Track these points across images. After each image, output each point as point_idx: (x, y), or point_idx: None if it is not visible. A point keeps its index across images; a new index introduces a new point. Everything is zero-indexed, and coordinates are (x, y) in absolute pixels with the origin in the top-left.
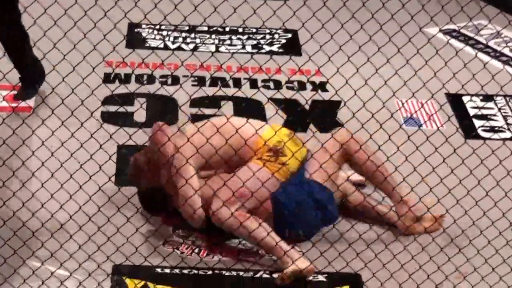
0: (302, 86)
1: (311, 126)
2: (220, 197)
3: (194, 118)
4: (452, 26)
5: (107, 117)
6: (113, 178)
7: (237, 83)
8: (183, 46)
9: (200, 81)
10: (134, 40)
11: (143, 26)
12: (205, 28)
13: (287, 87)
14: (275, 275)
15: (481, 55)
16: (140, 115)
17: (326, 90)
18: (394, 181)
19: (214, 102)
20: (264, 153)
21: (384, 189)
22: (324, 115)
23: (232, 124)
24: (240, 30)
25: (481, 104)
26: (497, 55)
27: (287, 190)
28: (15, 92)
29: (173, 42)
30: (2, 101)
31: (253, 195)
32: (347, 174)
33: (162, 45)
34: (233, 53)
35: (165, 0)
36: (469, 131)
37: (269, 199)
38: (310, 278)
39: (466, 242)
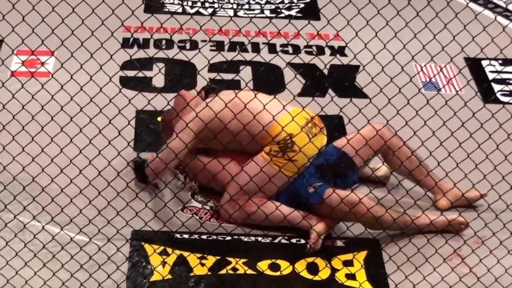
0: (320, 50)
1: (330, 90)
2: (229, 193)
3: (213, 83)
4: None
5: (125, 82)
6: (131, 143)
7: (256, 47)
8: (202, 10)
9: (219, 46)
10: (152, 4)
11: None
12: None
13: (306, 52)
14: (293, 240)
15: (500, 19)
16: (159, 80)
17: (344, 55)
18: (436, 176)
19: (232, 66)
20: (274, 145)
21: (425, 184)
22: (343, 80)
23: (249, 110)
24: None
25: (500, 68)
26: None
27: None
28: (33, 57)
29: (192, 7)
30: (21, 66)
31: (260, 190)
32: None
33: (180, 10)
34: (252, 17)
35: None
36: (488, 95)
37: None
38: (329, 243)
39: (485, 206)
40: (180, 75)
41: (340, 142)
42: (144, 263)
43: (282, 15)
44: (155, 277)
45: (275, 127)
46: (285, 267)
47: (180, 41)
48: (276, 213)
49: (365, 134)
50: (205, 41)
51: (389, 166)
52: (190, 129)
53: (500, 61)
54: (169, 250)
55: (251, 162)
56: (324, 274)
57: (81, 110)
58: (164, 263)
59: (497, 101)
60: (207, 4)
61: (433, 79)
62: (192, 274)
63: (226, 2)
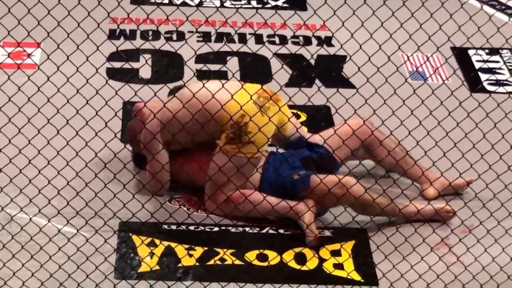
0: (307, 41)
1: (317, 81)
2: (209, 196)
3: (199, 74)
4: None
5: (112, 74)
6: (118, 135)
7: (242, 38)
8: (188, 1)
9: (205, 37)
10: None
11: None
12: None
13: (292, 42)
14: (281, 231)
15: (486, 8)
16: (146, 71)
17: (331, 45)
18: (422, 166)
19: (219, 57)
20: (229, 131)
21: (412, 175)
22: (330, 70)
23: (199, 99)
24: None
25: (486, 57)
26: (503, 7)
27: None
28: (20, 49)
29: None
30: (7, 58)
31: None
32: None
33: (167, 1)
34: (238, 8)
35: None
36: (475, 85)
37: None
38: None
39: (472, 195)
40: (167, 66)
41: (323, 136)
42: (132, 254)
43: (269, 5)
44: (143, 268)
45: (230, 109)
46: (273, 257)
47: (166, 32)
48: (263, 204)
49: (346, 129)
50: (192, 32)
51: (373, 159)
52: (153, 138)
53: (486, 50)
54: (157, 241)
55: (214, 159)
56: (312, 264)
57: (67, 101)
58: (152, 254)
59: (484, 90)
60: None
61: (419, 69)
62: (180, 265)
63: None
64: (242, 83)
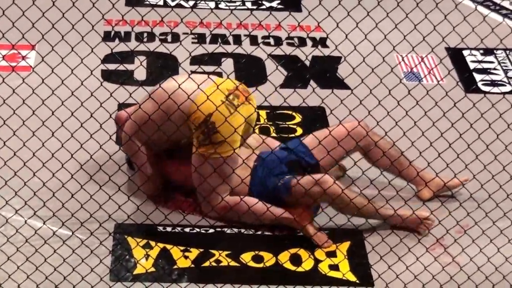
0: (302, 42)
1: (312, 82)
2: (204, 199)
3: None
4: None
5: (107, 76)
6: (113, 137)
7: (237, 39)
8: (183, 3)
9: (200, 38)
10: None
11: None
12: None
13: (287, 43)
14: (276, 232)
15: (480, 8)
16: (141, 73)
17: (326, 46)
18: (416, 167)
19: (214, 59)
20: (198, 132)
21: (406, 176)
22: (324, 71)
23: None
24: None
25: (481, 57)
26: (497, 8)
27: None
28: (14, 51)
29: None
30: (2, 60)
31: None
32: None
33: (161, 2)
34: (233, 9)
35: None
36: (469, 85)
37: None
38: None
39: (467, 196)
40: (162, 68)
41: (309, 142)
42: (127, 256)
43: (263, 6)
44: (139, 270)
45: (194, 107)
46: (268, 259)
47: (161, 34)
48: (266, 214)
49: (337, 133)
50: (187, 33)
51: (368, 161)
52: (129, 140)
53: (481, 51)
54: (152, 243)
55: (192, 163)
56: (307, 265)
57: (62, 104)
58: (147, 256)
59: (478, 90)
60: None
61: (414, 70)
62: (175, 266)
63: None
64: (214, 79)
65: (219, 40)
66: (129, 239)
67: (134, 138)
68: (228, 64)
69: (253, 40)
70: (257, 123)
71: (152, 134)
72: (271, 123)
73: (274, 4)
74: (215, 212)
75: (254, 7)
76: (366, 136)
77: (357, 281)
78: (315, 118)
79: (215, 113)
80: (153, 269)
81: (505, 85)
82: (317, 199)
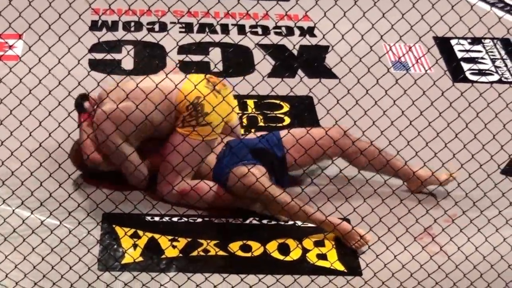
0: (290, 31)
1: (299, 71)
2: (161, 181)
3: (181, 65)
4: None
5: (94, 65)
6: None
7: (225, 29)
8: None
9: (188, 27)
10: None
11: None
12: None
13: (275, 33)
14: (264, 221)
15: None
16: (128, 63)
17: (314, 35)
18: (400, 161)
19: (201, 48)
20: (185, 113)
21: (390, 172)
22: (312, 60)
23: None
24: None
25: (468, 47)
26: None
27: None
28: (1, 40)
29: None
30: None
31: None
32: None
33: None
34: None
35: None
36: (457, 74)
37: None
38: (299, 224)
39: (454, 185)
40: (149, 57)
41: (284, 134)
42: (115, 246)
43: None
44: (127, 259)
45: (181, 95)
46: (256, 248)
47: (148, 23)
48: (224, 198)
49: (314, 134)
50: (174, 22)
51: (351, 164)
52: (110, 139)
53: (468, 40)
54: (140, 232)
55: (169, 141)
56: (295, 254)
57: (49, 93)
58: (135, 246)
59: (466, 80)
60: None
61: (402, 59)
62: (163, 256)
63: None
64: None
65: (207, 29)
66: (117, 228)
67: (114, 137)
68: (215, 53)
69: (241, 29)
70: (245, 112)
71: (135, 129)
72: (258, 112)
73: None
74: (172, 194)
75: None
76: (342, 138)
77: (345, 270)
78: (303, 107)
79: (205, 96)
80: (141, 259)
81: (493, 74)
82: (244, 193)
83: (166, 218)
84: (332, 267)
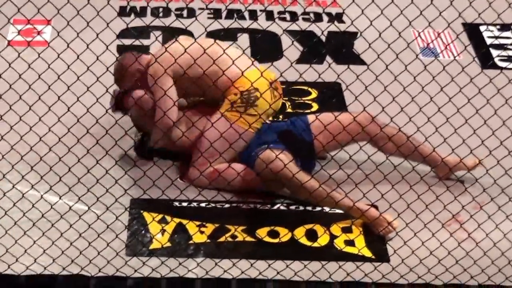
0: (318, 17)
1: (327, 57)
2: (193, 163)
3: None
4: None
5: (122, 51)
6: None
7: (253, 15)
8: None
9: (216, 13)
10: None
11: None
12: None
13: (303, 19)
14: (292, 207)
15: None
16: (156, 48)
17: (342, 21)
18: (428, 147)
19: (230, 34)
20: (237, 98)
21: (418, 158)
22: (341, 47)
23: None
24: None
25: (498, 33)
26: None
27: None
28: (30, 26)
29: None
30: (17, 35)
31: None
32: None
33: None
34: None
35: None
36: (486, 61)
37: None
38: (327, 210)
39: (483, 171)
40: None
41: (312, 119)
42: (143, 231)
43: None
44: (155, 245)
45: (242, 79)
46: (284, 234)
47: (177, 9)
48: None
49: (343, 120)
50: (202, 8)
51: (379, 149)
52: (166, 74)
53: (498, 26)
54: (168, 218)
55: (215, 123)
56: (323, 240)
57: (78, 78)
58: (163, 231)
59: (495, 66)
60: None
61: (430, 45)
62: (191, 241)
63: None
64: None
65: (235, 15)
66: (145, 214)
67: (168, 74)
68: (243, 40)
69: (269, 15)
70: None
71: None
72: (287, 98)
73: None
74: (202, 178)
75: None
76: (370, 124)
77: (373, 257)
78: (331, 93)
79: (262, 89)
80: (169, 244)
81: None
82: (271, 178)
83: (194, 204)
84: (359, 253)
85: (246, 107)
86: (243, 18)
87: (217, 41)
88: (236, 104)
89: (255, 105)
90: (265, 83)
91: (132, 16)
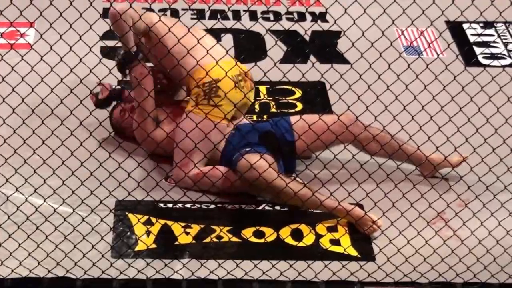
0: (301, 16)
1: (311, 57)
2: (176, 163)
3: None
4: None
5: (106, 52)
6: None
7: (236, 15)
8: None
9: (199, 14)
10: None
11: None
12: None
13: (287, 18)
14: (277, 207)
15: None
16: None
17: (325, 21)
18: (412, 146)
19: (213, 34)
20: (200, 90)
21: (402, 157)
22: (324, 46)
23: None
24: None
25: (481, 31)
26: None
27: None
28: (13, 29)
29: None
30: (0, 38)
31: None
32: None
33: None
34: None
35: None
36: (469, 58)
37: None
38: (312, 210)
39: (467, 169)
40: None
41: (295, 120)
42: (128, 233)
43: None
44: (140, 246)
45: (205, 69)
46: (270, 234)
47: (160, 10)
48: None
49: (326, 121)
50: (186, 9)
51: (366, 153)
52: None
53: (481, 24)
54: (153, 219)
55: (184, 121)
56: (308, 240)
57: (61, 81)
58: (148, 233)
59: (479, 64)
60: None
61: (414, 43)
62: (176, 243)
63: None
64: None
65: (218, 15)
66: (130, 215)
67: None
68: (227, 40)
69: (252, 15)
70: (257, 98)
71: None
72: (271, 98)
73: None
74: (187, 179)
75: None
76: (353, 124)
77: (358, 256)
78: (315, 93)
79: (223, 80)
80: (154, 246)
81: (505, 58)
82: (253, 183)
83: (179, 205)
84: (345, 253)
85: (210, 98)
86: (226, 18)
87: (197, 30)
88: (199, 97)
89: (218, 95)
90: (231, 74)
91: None
